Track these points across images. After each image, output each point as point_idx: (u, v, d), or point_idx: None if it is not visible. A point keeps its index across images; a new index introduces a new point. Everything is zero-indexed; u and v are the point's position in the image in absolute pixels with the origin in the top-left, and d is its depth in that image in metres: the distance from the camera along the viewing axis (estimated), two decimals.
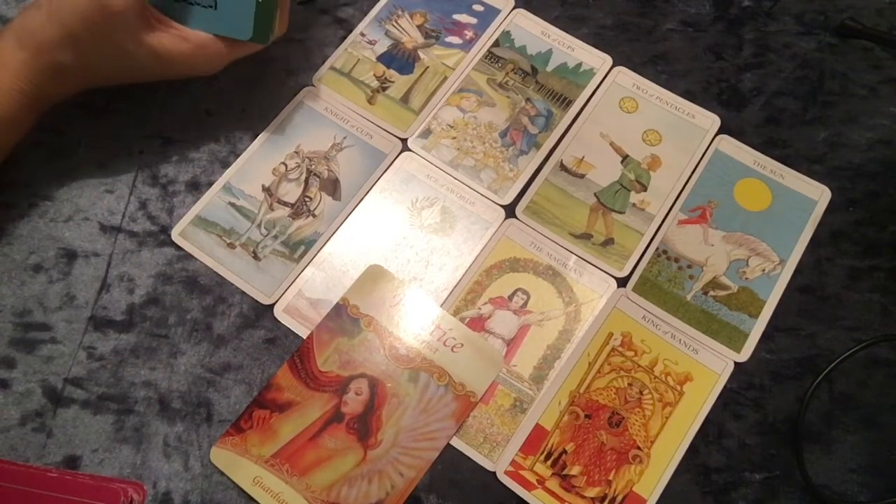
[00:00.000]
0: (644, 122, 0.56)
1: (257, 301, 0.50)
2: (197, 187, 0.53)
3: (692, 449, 0.46)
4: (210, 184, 0.53)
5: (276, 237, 0.52)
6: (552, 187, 0.53)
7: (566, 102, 0.56)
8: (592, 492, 0.45)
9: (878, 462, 0.46)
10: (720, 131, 0.55)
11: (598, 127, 0.55)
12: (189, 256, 0.51)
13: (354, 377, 0.47)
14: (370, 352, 0.48)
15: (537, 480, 0.46)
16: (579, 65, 0.57)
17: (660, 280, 0.51)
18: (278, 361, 0.48)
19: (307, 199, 0.53)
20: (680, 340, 0.49)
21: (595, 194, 0.53)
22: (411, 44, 0.58)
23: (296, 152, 0.54)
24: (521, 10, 0.59)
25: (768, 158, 0.54)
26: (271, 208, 0.52)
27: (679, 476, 0.46)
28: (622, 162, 0.54)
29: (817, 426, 0.47)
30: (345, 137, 0.55)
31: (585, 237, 0.52)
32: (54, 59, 0.46)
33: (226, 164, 0.54)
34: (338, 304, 0.49)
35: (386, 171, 0.54)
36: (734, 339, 0.49)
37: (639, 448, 0.46)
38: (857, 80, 0.57)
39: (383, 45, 0.58)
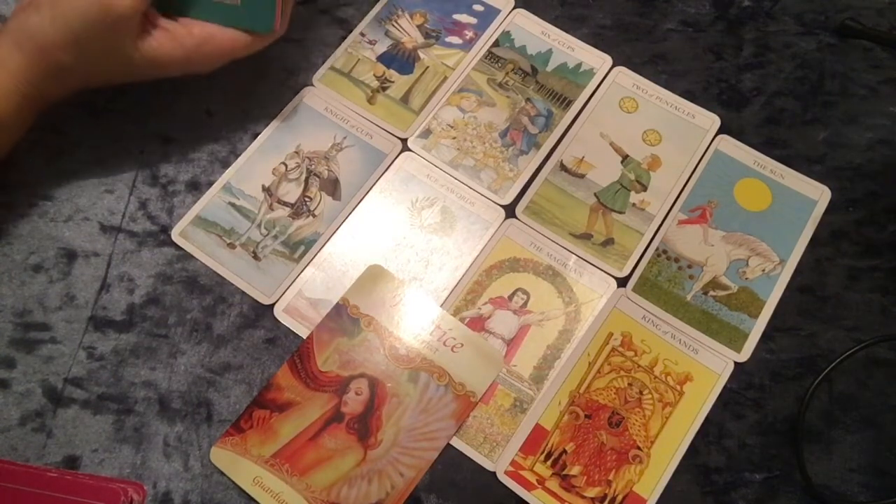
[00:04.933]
0: (644, 122, 0.56)
1: (257, 301, 0.50)
2: (197, 187, 0.53)
3: (692, 449, 0.46)
4: (210, 184, 0.53)
5: (276, 237, 0.52)
6: (552, 187, 0.53)
7: (566, 102, 0.56)
8: (592, 492, 0.45)
9: (878, 462, 0.46)
10: (720, 131, 0.55)
11: (598, 127, 0.55)
12: (189, 256, 0.51)
13: (354, 377, 0.47)
14: (370, 352, 0.48)
15: (537, 480, 0.46)
16: (579, 65, 0.57)
17: (660, 280, 0.51)
18: (278, 361, 0.48)
19: (307, 199, 0.53)
20: (680, 340, 0.49)
21: (595, 194, 0.53)
22: (411, 44, 0.58)
23: (296, 152, 0.54)
24: (521, 10, 0.59)
25: (768, 158, 0.54)
26: (271, 208, 0.52)
27: (679, 476, 0.46)
28: (622, 162, 0.54)
29: (817, 426, 0.47)
30: (345, 137, 0.55)
31: (585, 237, 0.52)
32: (56, 60, 0.45)
33: (226, 164, 0.54)
34: (338, 304, 0.49)
35: (386, 171, 0.54)
36: (734, 339, 0.49)
37: (639, 448, 0.46)
38: (857, 80, 0.57)
39: (383, 45, 0.58)
